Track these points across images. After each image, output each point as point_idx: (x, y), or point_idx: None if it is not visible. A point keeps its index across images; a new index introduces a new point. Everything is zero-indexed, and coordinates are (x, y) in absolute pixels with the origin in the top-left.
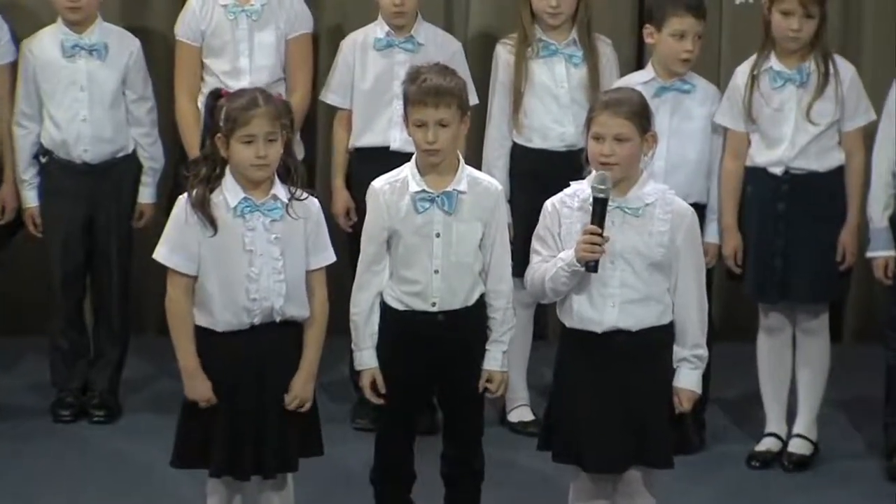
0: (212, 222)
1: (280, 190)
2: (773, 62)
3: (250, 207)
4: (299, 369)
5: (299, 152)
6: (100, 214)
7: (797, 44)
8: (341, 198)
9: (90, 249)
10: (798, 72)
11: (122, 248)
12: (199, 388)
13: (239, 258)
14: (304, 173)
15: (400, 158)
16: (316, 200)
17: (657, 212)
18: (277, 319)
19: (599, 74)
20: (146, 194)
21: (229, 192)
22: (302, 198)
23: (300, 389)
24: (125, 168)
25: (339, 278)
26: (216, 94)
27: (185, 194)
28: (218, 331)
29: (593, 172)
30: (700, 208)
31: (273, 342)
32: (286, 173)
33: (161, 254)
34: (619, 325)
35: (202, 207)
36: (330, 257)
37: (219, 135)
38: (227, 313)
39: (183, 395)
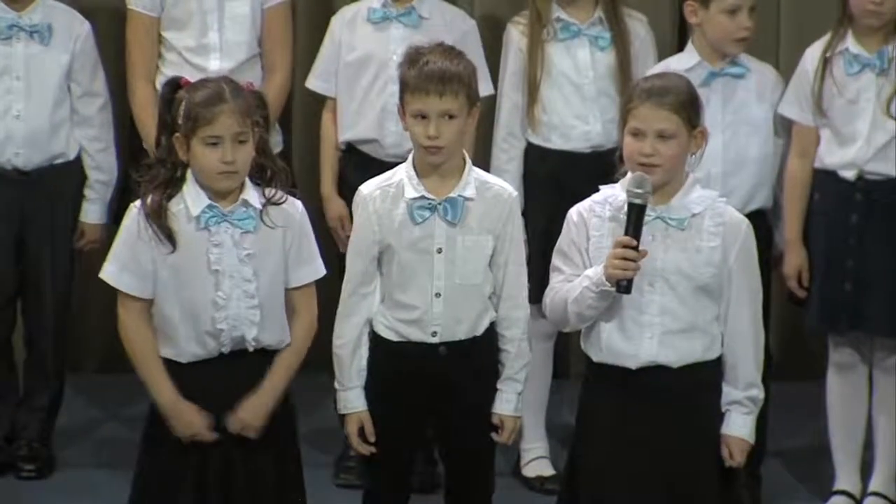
0: (169, 237)
1: (252, 194)
2: (850, 43)
3: (216, 217)
4: (255, 391)
5: (277, 143)
6: (32, 233)
7: (879, 20)
8: (333, 206)
9: (22, 274)
10: (878, 56)
11: (59, 274)
12: (186, 420)
13: (203, 280)
14: (286, 175)
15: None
16: (298, 203)
17: (706, 224)
18: (251, 349)
19: (631, 60)
20: (91, 212)
21: (191, 199)
22: (280, 201)
23: (248, 413)
24: (64, 177)
25: (329, 302)
26: (174, 84)
27: (138, 202)
28: (182, 362)
29: (629, 174)
30: (765, 216)
31: (247, 374)
32: (260, 176)
33: (109, 272)
34: (658, 359)
35: (158, 219)
36: (317, 271)
37: (177, 134)
38: (191, 343)
39: (143, 440)
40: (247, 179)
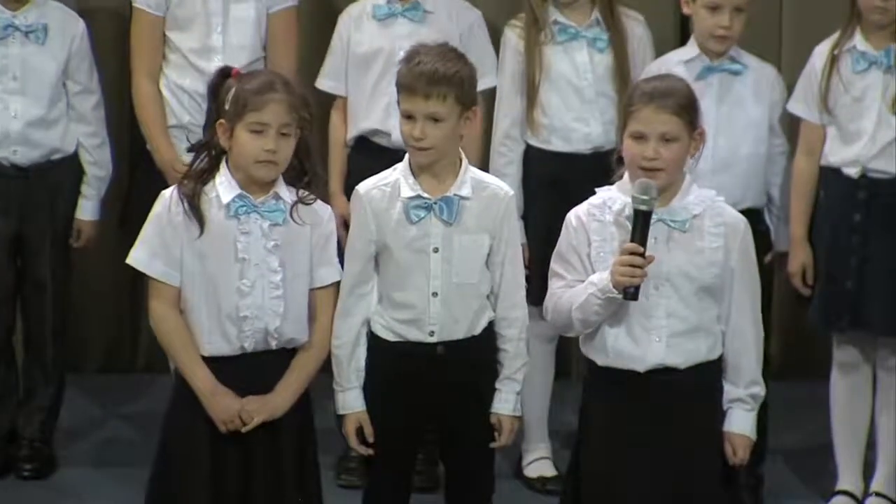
0: (199, 220)
1: (284, 189)
2: (857, 41)
3: (246, 207)
4: (275, 390)
5: None
6: (31, 229)
7: (886, 17)
8: (338, 204)
9: (21, 271)
10: (885, 54)
11: (58, 270)
12: (224, 406)
13: (228, 267)
14: (323, 181)
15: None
16: (328, 207)
17: (707, 224)
18: (274, 344)
19: (630, 60)
20: (87, 209)
21: (223, 188)
22: (309, 201)
23: (256, 405)
24: (63, 173)
25: None
26: (225, 73)
27: (169, 189)
28: (203, 355)
29: (625, 176)
30: (756, 214)
31: (268, 374)
32: (298, 177)
33: (138, 259)
34: (667, 362)
35: (191, 200)
36: (334, 274)
37: (221, 120)
38: (213, 333)
39: (161, 438)
40: (280, 177)
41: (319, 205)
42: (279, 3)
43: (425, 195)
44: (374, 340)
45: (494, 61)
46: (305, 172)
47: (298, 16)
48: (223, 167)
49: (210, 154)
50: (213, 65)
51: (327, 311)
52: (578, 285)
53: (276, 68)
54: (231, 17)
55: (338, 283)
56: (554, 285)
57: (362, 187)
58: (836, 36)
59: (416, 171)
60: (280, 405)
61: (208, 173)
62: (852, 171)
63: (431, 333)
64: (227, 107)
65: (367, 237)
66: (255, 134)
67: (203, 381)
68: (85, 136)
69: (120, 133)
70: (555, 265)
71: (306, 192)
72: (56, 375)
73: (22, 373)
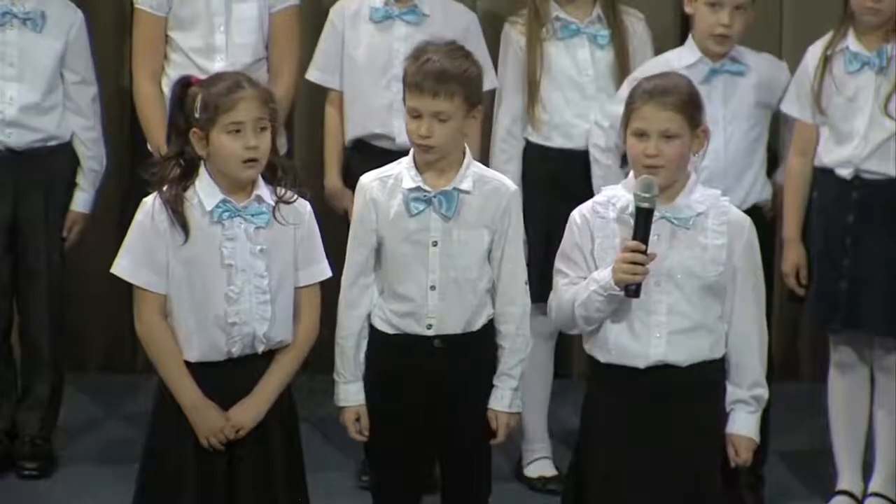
0: (184, 226)
1: (265, 191)
2: (850, 41)
3: (230, 212)
4: (252, 393)
5: (282, 145)
6: (26, 215)
7: (879, 18)
8: (345, 198)
9: (15, 261)
10: (878, 54)
11: (52, 260)
12: (209, 420)
13: (215, 274)
14: (296, 172)
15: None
16: (307, 203)
17: (710, 222)
18: (260, 349)
19: (630, 57)
20: (80, 201)
21: (204, 194)
22: (290, 200)
23: (241, 414)
24: (59, 160)
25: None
26: (185, 82)
27: (151, 196)
28: (189, 362)
29: (630, 176)
30: (762, 212)
31: (255, 378)
32: (272, 174)
33: (122, 268)
34: (668, 359)
35: (175, 205)
36: (323, 272)
37: (194, 129)
38: (200, 341)
39: (146, 442)
40: (260, 178)
41: (300, 203)
42: (281, 3)
43: (426, 188)
44: (372, 332)
45: (491, 64)
46: (277, 168)
47: (300, 15)
48: (203, 173)
49: (179, 164)
50: (216, 64)
51: (311, 310)
52: (583, 283)
53: (279, 67)
54: (233, 17)
55: (323, 281)
56: (558, 283)
57: (365, 178)
58: (828, 36)
59: (420, 166)
60: (261, 409)
61: (186, 179)
62: (845, 172)
63: (429, 327)
64: (197, 115)
65: (368, 227)
66: (233, 134)
67: (188, 395)
68: (81, 129)
69: (121, 132)
70: (559, 264)
71: (284, 191)
72: (54, 369)
73: (20, 369)
